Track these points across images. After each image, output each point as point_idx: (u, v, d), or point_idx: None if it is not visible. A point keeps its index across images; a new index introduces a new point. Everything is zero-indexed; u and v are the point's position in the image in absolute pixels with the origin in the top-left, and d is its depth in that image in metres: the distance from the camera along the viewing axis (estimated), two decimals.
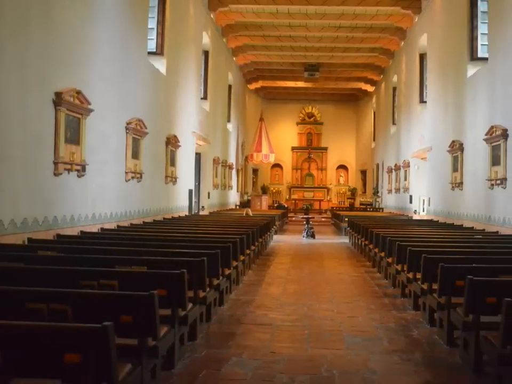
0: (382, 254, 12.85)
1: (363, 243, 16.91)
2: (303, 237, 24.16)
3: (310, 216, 26.89)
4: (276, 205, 40.67)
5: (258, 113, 39.74)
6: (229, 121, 32.68)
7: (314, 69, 34.72)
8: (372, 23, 27.74)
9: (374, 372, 6.16)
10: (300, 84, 39.39)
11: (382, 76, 36.46)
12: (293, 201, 43.09)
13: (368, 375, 6.05)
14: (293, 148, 45.63)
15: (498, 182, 14.58)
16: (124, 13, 14.26)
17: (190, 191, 22.43)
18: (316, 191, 44.65)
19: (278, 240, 23.09)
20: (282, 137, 44.89)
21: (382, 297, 10.64)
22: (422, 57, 25.79)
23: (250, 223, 17.25)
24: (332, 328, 8.13)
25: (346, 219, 24.32)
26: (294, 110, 45.69)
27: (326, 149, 45.62)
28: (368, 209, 36.29)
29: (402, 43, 29.29)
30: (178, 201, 20.33)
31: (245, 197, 37.51)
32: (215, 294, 8.67)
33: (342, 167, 46.63)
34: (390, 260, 11.81)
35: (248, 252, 12.88)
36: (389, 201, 32.89)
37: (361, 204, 40.68)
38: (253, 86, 40.41)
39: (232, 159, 32.94)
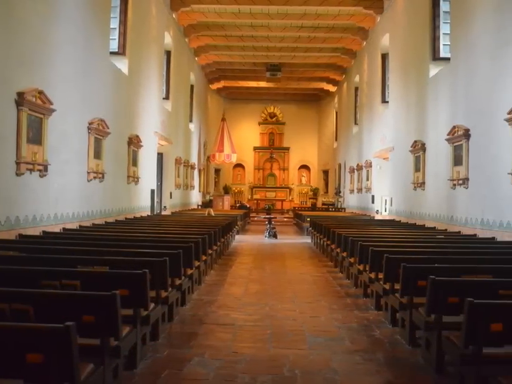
0: (344, 254, 12.82)
1: (325, 243, 16.84)
2: (265, 237, 24.11)
3: (272, 216, 26.77)
4: (238, 205, 40.55)
5: (221, 113, 39.63)
6: (191, 121, 32.59)
7: (276, 69, 34.67)
8: (334, 23, 27.74)
9: (336, 372, 6.16)
10: (262, 84, 39.28)
11: (344, 76, 36.50)
12: (255, 201, 43.17)
13: (330, 375, 6.05)
14: (255, 148, 45.67)
15: (460, 182, 14.70)
16: (86, 13, 14.17)
17: (152, 191, 22.36)
18: (278, 191, 44.75)
19: (240, 240, 23.02)
20: (245, 137, 44.97)
21: (344, 297, 10.64)
22: (384, 57, 25.82)
23: (212, 223, 17.17)
24: (294, 328, 8.12)
25: (308, 219, 24.27)
26: (256, 110, 45.69)
27: (288, 149, 45.69)
28: (330, 209, 36.24)
29: (365, 43, 29.38)
30: (140, 201, 20.27)
31: (207, 197, 37.36)
32: (177, 294, 8.64)
33: (304, 167, 46.71)
34: (352, 260, 11.74)
35: (210, 252, 12.87)
36: (351, 201, 32.80)
37: (323, 204, 40.70)
38: (215, 86, 40.34)
39: (194, 159, 32.76)
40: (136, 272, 6.03)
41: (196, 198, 33.76)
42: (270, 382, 5.85)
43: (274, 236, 23.98)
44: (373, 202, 26.51)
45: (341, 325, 8.35)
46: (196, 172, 33.05)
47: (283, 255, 17.95)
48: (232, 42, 30.67)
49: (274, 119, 46.13)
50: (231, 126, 41.16)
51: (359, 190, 29.61)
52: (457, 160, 14.87)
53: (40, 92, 11.02)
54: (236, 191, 45.14)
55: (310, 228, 22.49)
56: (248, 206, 38.86)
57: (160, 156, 24.33)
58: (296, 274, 13.69)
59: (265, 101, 45.54)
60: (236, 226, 22.67)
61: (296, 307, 9.67)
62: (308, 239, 23.34)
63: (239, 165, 45.36)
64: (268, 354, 6.82)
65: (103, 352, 4.87)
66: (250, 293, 11.02)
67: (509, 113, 11.38)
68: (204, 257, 11.65)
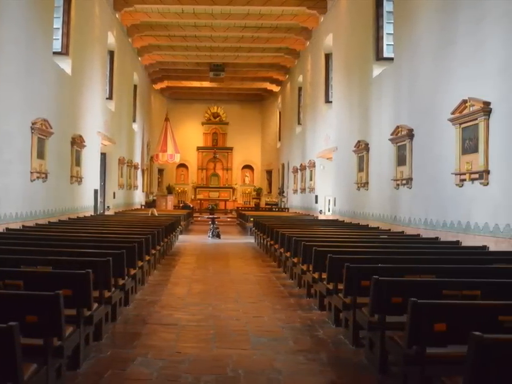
0: (288, 254, 12.62)
1: (268, 243, 16.68)
2: (209, 237, 23.96)
3: (215, 216, 26.64)
4: (181, 205, 40.27)
5: (164, 113, 39.60)
6: (134, 121, 32.28)
7: (219, 69, 34.50)
8: (277, 23, 27.65)
9: (280, 372, 6.14)
10: (206, 84, 38.94)
11: (287, 76, 36.45)
12: (199, 201, 42.97)
13: (274, 375, 6.04)
14: (199, 148, 45.56)
15: (403, 182, 14.67)
16: (28, 13, 14.00)
17: (96, 191, 22.13)
18: (221, 191, 44.70)
19: (184, 240, 22.86)
20: (188, 137, 44.87)
21: (288, 297, 10.58)
22: (328, 57, 25.68)
23: (155, 223, 17.05)
24: (237, 328, 8.07)
25: (251, 219, 24.09)
26: (199, 110, 45.61)
27: (231, 149, 45.70)
28: (274, 209, 36.12)
29: (308, 43, 29.31)
30: (84, 201, 20.10)
31: (151, 197, 36.98)
32: (120, 294, 8.55)
33: (248, 167, 46.69)
34: (295, 260, 11.52)
35: (153, 251, 12.76)
36: (295, 201, 32.59)
37: (266, 204, 40.76)
38: (158, 86, 39.98)
39: (137, 159, 32.49)
40: (79, 272, 5.97)
41: (139, 198, 33.47)
42: (214, 382, 5.79)
43: (218, 236, 23.87)
44: (316, 202, 26.33)
45: (284, 325, 8.30)
46: (139, 172, 32.78)
47: (226, 255, 17.90)
48: (175, 42, 30.43)
49: (217, 119, 46.07)
50: (175, 126, 41.17)
51: (303, 190, 29.44)
52: (401, 160, 14.84)
53: None
54: (179, 191, 44.89)
55: (254, 228, 22.35)
56: (191, 206, 38.58)
57: (103, 155, 24.07)
58: (240, 274, 13.64)
59: (208, 101, 45.38)
60: (179, 226, 22.41)
61: (239, 307, 9.61)
62: (251, 239, 23.22)
63: (182, 165, 45.14)
64: (211, 354, 6.76)
65: (46, 352, 4.83)
66: (194, 293, 10.96)
67: (452, 113, 11.44)
68: (147, 257, 11.54)
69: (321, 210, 25.79)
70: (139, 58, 32.30)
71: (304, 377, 6.07)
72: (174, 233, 19.11)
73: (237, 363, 6.43)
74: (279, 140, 41.24)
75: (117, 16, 25.23)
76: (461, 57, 11.65)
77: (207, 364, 6.42)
